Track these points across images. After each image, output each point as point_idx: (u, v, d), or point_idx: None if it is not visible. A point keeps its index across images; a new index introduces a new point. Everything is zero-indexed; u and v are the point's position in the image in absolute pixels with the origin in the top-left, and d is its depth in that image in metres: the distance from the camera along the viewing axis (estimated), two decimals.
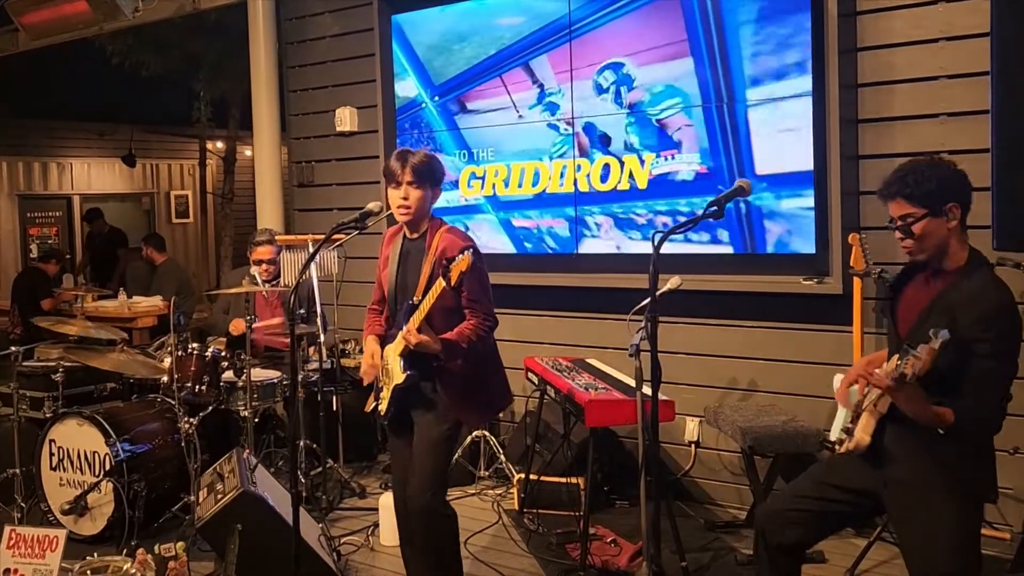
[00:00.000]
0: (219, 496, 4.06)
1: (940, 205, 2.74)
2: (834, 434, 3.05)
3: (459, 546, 3.69)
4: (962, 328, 2.63)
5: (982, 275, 2.75)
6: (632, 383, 4.02)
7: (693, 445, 5.30)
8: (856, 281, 4.51)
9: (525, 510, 5.04)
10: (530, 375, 5.01)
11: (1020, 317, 2.74)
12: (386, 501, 4.60)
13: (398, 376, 3.51)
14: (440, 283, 3.30)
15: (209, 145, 14.71)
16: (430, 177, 3.52)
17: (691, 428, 5.30)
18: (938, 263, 2.82)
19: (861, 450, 2.82)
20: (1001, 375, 2.69)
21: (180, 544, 3.74)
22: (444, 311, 3.47)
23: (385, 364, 3.60)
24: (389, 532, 4.58)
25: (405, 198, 3.50)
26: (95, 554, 3.78)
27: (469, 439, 5.63)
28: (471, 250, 3.30)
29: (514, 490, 5.20)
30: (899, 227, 2.78)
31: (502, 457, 5.60)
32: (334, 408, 5.51)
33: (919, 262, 2.87)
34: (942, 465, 2.74)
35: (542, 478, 5.04)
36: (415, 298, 3.47)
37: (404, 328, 3.42)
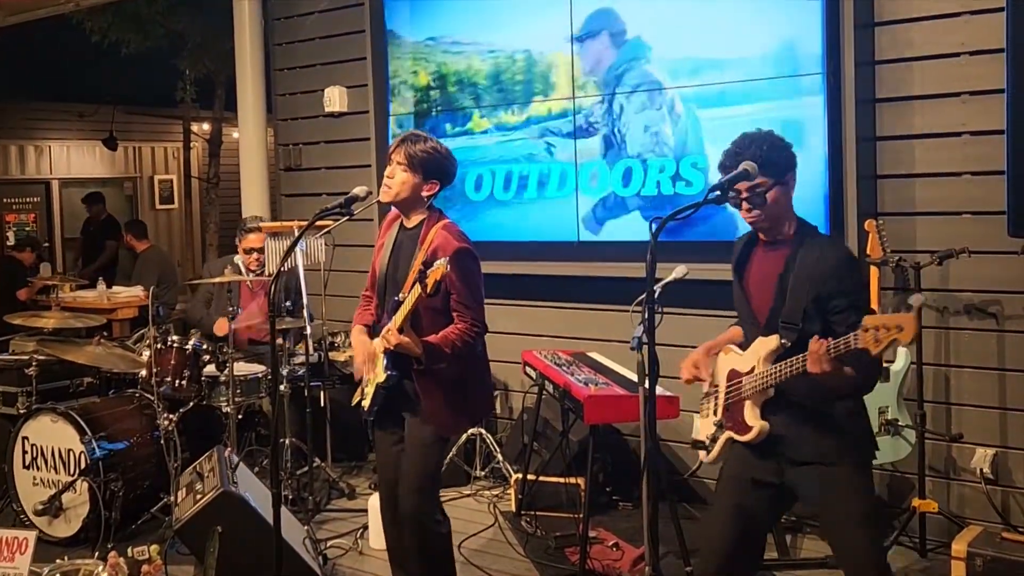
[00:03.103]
0: (198, 496, 4.06)
1: (784, 175, 2.93)
2: (703, 433, 3.14)
3: (452, 550, 3.69)
4: (820, 283, 2.83)
5: (819, 237, 2.99)
6: (635, 378, 4.00)
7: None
8: (873, 270, 4.47)
9: (523, 512, 5.03)
10: (528, 369, 5.00)
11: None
12: (376, 503, 4.57)
13: (380, 375, 3.50)
14: (418, 289, 3.28)
15: (194, 127, 14.67)
16: (424, 167, 3.50)
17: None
18: (776, 232, 2.99)
19: (764, 436, 2.92)
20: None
21: (154, 547, 3.74)
22: (432, 311, 3.46)
23: (372, 357, 3.59)
24: (378, 535, 4.55)
25: (390, 177, 3.52)
26: (65, 557, 3.77)
27: (465, 437, 5.61)
28: (458, 254, 3.30)
29: (511, 491, 5.19)
30: (746, 198, 2.92)
31: (499, 456, 5.58)
32: (322, 404, 5.50)
33: (756, 234, 3.04)
34: (837, 434, 2.90)
35: (540, 478, 5.03)
36: (402, 295, 3.45)
37: (387, 326, 3.40)
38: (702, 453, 3.18)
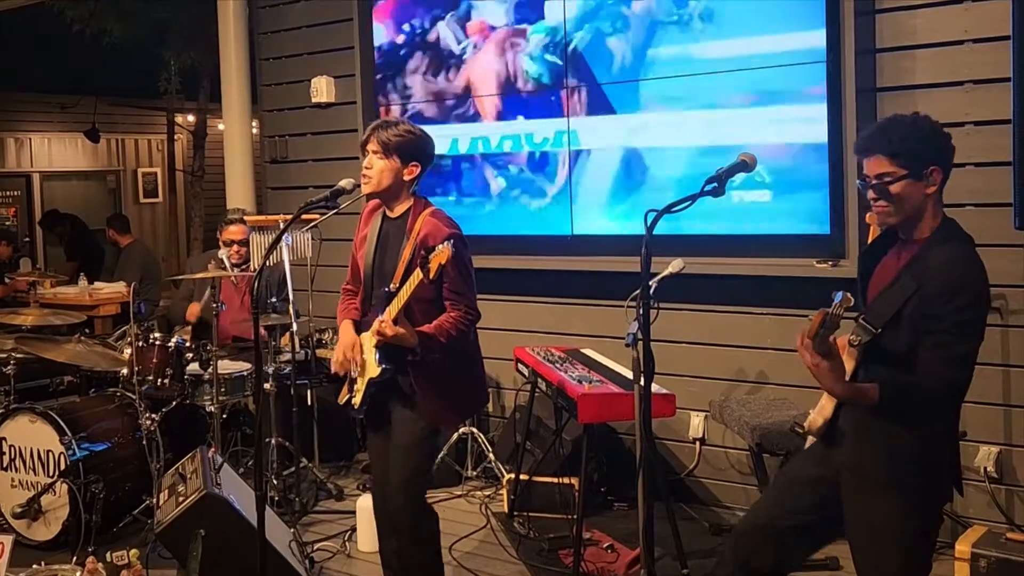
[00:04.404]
0: (180, 498, 4.02)
1: (922, 167, 2.68)
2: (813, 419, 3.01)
3: (440, 550, 3.67)
4: (924, 299, 2.59)
5: (952, 246, 2.68)
6: (630, 375, 3.98)
7: (697, 442, 5.27)
8: None
9: (515, 513, 5.01)
10: (520, 366, 4.96)
11: (987, 298, 2.69)
12: (364, 503, 4.56)
13: (373, 369, 3.47)
14: (418, 274, 3.24)
15: (179, 119, 14.62)
16: (400, 151, 3.47)
17: (695, 424, 5.26)
18: (909, 232, 2.76)
19: (813, 432, 2.79)
20: (959, 351, 2.59)
21: (134, 551, 3.71)
22: (423, 301, 3.43)
23: (360, 354, 3.55)
24: (367, 537, 4.54)
25: (368, 167, 3.49)
26: (43, 562, 3.75)
27: (456, 436, 5.58)
28: (453, 240, 3.24)
29: (503, 491, 5.16)
30: (873, 186, 2.71)
31: (491, 456, 5.56)
32: (309, 403, 5.47)
33: (891, 230, 2.81)
34: (890, 449, 2.67)
35: (533, 478, 5.00)
36: (393, 285, 3.42)
37: (380, 318, 3.37)
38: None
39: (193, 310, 5.65)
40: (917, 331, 2.60)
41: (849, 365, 2.71)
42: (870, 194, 2.72)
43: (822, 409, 2.81)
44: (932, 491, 2.74)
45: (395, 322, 3.34)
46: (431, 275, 3.18)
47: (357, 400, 3.58)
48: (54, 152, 14.82)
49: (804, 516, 2.88)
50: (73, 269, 10.16)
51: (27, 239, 13.70)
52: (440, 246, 3.17)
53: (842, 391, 2.62)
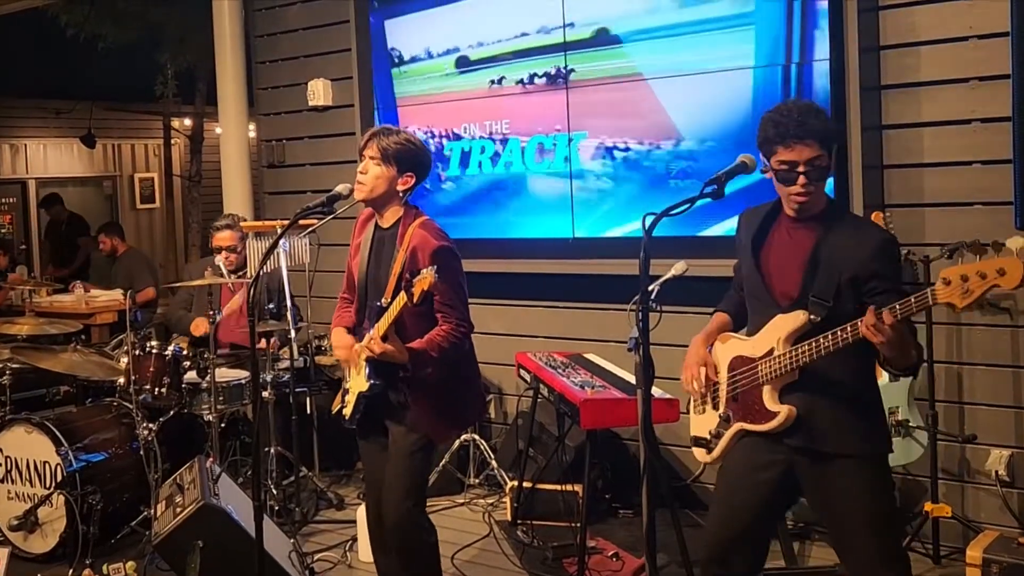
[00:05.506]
0: (178, 509, 4.03)
1: (832, 148, 2.83)
2: (702, 429, 3.08)
3: (439, 562, 3.67)
4: (859, 264, 2.77)
5: (852, 216, 2.94)
6: (633, 380, 3.98)
7: None
8: None
9: (518, 521, 5.01)
10: (522, 372, 4.97)
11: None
12: (365, 513, 4.56)
13: (362, 384, 3.48)
14: (403, 297, 3.24)
15: (175, 123, 14.62)
16: (398, 160, 3.48)
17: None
18: (806, 211, 2.89)
19: (791, 421, 2.85)
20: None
21: (131, 564, 3.72)
22: (415, 316, 3.43)
23: (355, 362, 3.56)
24: (368, 547, 4.52)
25: (363, 172, 3.49)
26: (39, 575, 3.74)
27: (458, 444, 5.59)
28: (441, 254, 3.29)
29: (506, 499, 5.17)
30: (807, 172, 2.79)
31: (493, 463, 5.56)
32: (308, 411, 5.47)
33: (792, 212, 2.91)
34: (860, 423, 2.86)
35: (537, 486, 5.01)
36: (384, 300, 3.43)
37: (369, 335, 3.37)
38: (700, 452, 3.12)
39: (200, 325, 5.64)
40: (860, 293, 2.78)
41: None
42: (801, 180, 2.80)
43: (774, 400, 2.87)
44: (889, 447, 2.96)
45: (385, 339, 3.34)
46: (415, 299, 3.17)
47: (348, 411, 3.59)
48: (50, 158, 14.83)
49: (764, 503, 2.99)
50: (70, 275, 10.21)
51: (23, 247, 13.73)
52: (424, 271, 3.17)
53: (907, 349, 2.71)
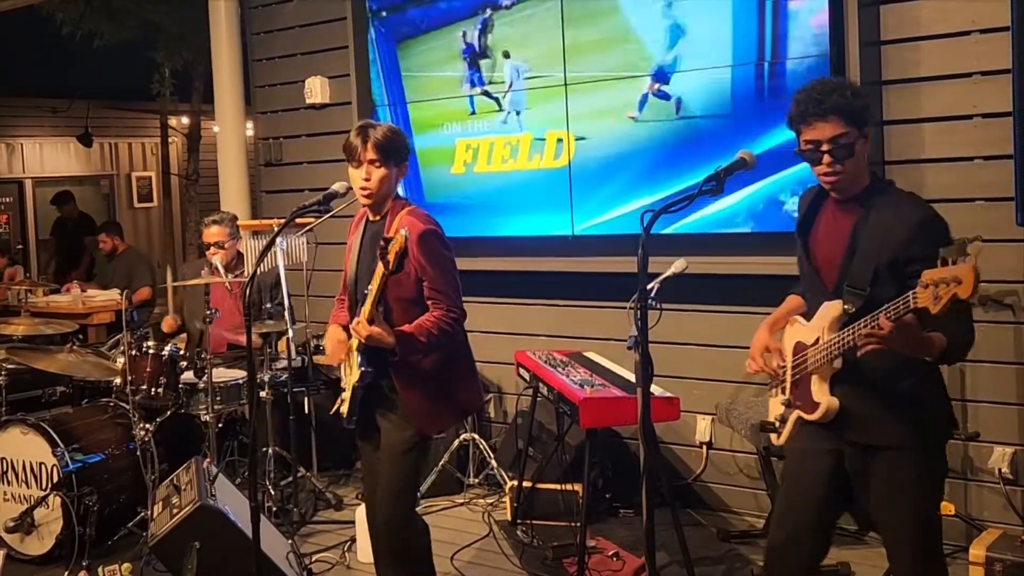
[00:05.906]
0: (175, 511, 4.03)
1: (864, 125, 2.74)
2: (772, 414, 3.03)
3: (432, 562, 3.65)
4: (898, 246, 2.67)
5: (894, 191, 2.79)
6: (633, 378, 3.97)
7: (704, 446, 5.26)
8: None
9: (518, 521, 5.00)
10: (521, 371, 4.96)
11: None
12: (364, 513, 4.54)
13: (355, 373, 3.47)
14: (380, 269, 3.18)
15: (172, 121, 14.63)
16: (395, 154, 3.46)
17: (702, 427, 5.25)
18: (847, 191, 2.81)
19: (832, 414, 2.79)
20: None
21: (127, 566, 3.71)
22: (403, 303, 3.41)
23: (348, 359, 3.55)
24: (367, 548, 4.52)
25: (367, 179, 3.44)
26: None
27: (457, 443, 5.58)
28: (425, 243, 3.27)
29: (506, 499, 5.16)
30: (831, 150, 2.72)
31: (492, 462, 5.55)
32: (306, 410, 5.46)
33: (831, 193, 2.84)
34: (909, 413, 2.76)
35: (537, 485, 5.00)
36: (370, 285, 3.40)
37: (355, 320, 3.35)
38: (772, 436, 3.07)
39: (168, 323, 5.69)
40: (900, 278, 2.65)
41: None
42: (826, 159, 2.73)
43: (822, 391, 2.82)
44: (947, 434, 2.90)
45: (371, 322, 3.29)
46: (391, 265, 3.10)
47: (345, 409, 3.57)
48: (46, 157, 14.83)
49: (823, 493, 2.91)
50: (82, 275, 10.23)
51: (20, 246, 13.73)
52: (398, 234, 3.11)
53: (919, 346, 2.60)
